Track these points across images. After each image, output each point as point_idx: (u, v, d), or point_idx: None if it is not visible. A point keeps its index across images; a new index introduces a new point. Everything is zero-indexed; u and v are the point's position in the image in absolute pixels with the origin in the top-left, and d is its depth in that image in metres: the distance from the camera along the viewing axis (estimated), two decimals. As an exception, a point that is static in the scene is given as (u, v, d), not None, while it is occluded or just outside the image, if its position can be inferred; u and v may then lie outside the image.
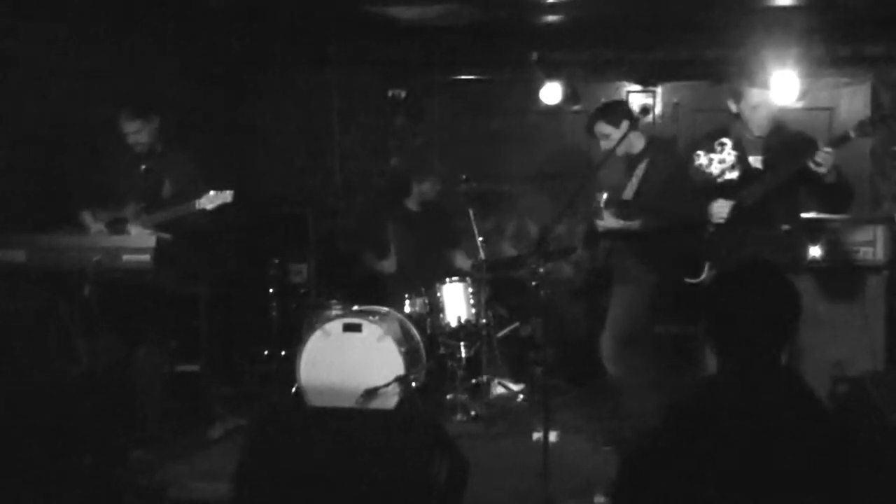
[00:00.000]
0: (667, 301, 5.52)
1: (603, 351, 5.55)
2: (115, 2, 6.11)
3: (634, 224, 5.41)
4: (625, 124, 5.40)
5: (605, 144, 5.51)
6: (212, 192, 5.42)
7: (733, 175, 4.81)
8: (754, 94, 4.80)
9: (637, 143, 5.57)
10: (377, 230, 7.07)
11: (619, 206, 5.50)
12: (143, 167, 5.60)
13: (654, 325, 5.65)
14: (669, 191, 5.13)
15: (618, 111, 5.60)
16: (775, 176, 4.71)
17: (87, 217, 5.57)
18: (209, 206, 5.41)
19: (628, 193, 5.51)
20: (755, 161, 4.83)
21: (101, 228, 5.51)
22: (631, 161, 5.57)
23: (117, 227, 5.49)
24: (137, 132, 5.54)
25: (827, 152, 4.53)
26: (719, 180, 4.82)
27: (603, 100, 6.22)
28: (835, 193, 4.79)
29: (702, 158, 4.88)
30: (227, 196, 5.44)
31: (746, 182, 4.77)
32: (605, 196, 5.53)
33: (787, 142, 4.85)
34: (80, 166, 5.79)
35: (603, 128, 5.53)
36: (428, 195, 7.05)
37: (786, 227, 4.77)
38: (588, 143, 7.36)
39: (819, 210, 5.03)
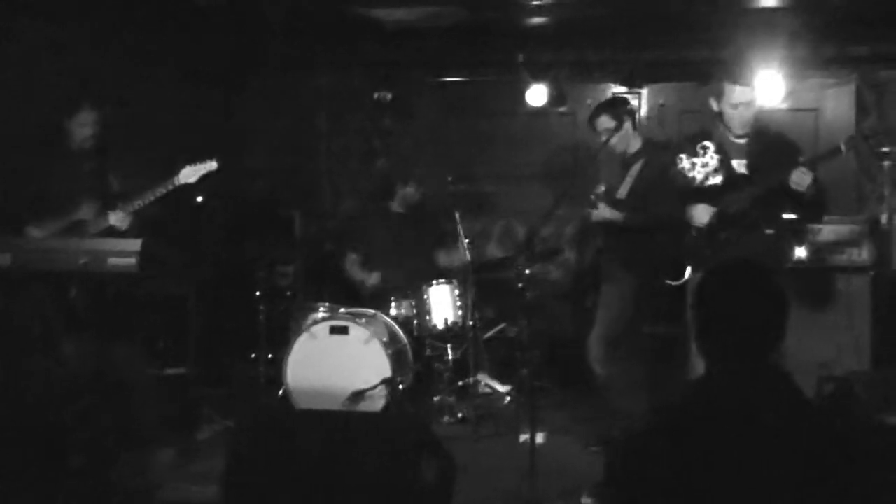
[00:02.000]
0: (653, 302, 5.55)
1: (589, 352, 5.57)
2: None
3: (629, 216, 5.47)
4: (627, 119, 5.57)
5: (605, 138, 5.61)
6: (188, 167, 5.23)
7: (716, 179, 4.81)
8: (736, 92, 4.77)
9: (634, 143, 5.68)
10: (363, 233, 7.05)
11: (613, 205, 5.57)
12: (87, 166, 5.33)
13: (641, 326, 5.67)
14: (660, 192, 5.15)
15: (621, 107, 5.72)
16: (757, 187, 4.72)
17: (33, 232, 5.17)
18: (192, 180, 5.22)
19: (622, 192, 5.61)
20: (738, 165, 4.82)
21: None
22: (626, 161, 5.69)
23: (76, 231, 5.21)
24: (95, 124, 5.28)
25: (802, 173, 4.54)
26: (703, 185, 4.83)
27: (589, 101, 6.26)
28: (809, 206, 4.81)
29: (684, 162, 4.87)
30: (210, 165, 5.26)
31: (729, 187, 4.77)
32: (602, 188, 5.60)
33: (769, 146, 4.84)
34: (18, 175, 5.35)
35: (606, 121, 5.61)
36: (411, 198, 7.00)
37: (769, 231, 4.78)
38: (577, 144, 7.47)
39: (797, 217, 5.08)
